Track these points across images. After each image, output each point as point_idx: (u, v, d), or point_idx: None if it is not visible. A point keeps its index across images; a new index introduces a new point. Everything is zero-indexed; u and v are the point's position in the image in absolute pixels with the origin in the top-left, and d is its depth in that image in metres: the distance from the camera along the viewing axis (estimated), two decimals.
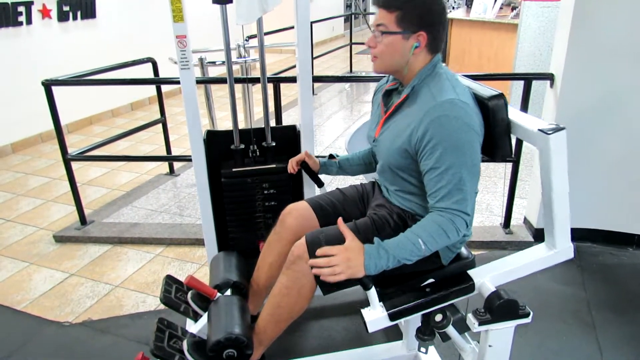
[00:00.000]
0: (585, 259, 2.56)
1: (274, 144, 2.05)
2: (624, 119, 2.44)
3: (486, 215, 3.06)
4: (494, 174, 3.66)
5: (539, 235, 2.74)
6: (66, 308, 2.28)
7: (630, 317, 2.14)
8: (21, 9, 4.35)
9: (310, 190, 2.07)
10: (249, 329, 1.53)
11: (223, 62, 1.97)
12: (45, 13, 4.58)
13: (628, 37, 2.30)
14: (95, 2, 5.09)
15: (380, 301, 1.31)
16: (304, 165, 1.84)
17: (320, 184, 1.91)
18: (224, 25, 1.83)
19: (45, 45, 4.65)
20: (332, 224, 1.49)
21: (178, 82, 1.81)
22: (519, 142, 2.62)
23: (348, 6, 12.87)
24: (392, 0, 1.33)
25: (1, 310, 2.29)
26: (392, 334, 2.02)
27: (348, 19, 10.70)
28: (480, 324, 1.28)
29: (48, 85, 2.65)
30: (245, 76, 3.55)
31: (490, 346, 1.33)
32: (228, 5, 1.77)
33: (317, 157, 1.85)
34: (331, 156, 1.86)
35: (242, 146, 2.02)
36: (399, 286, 1.39)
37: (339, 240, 1.41)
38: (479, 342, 1.40)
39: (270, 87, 2.49)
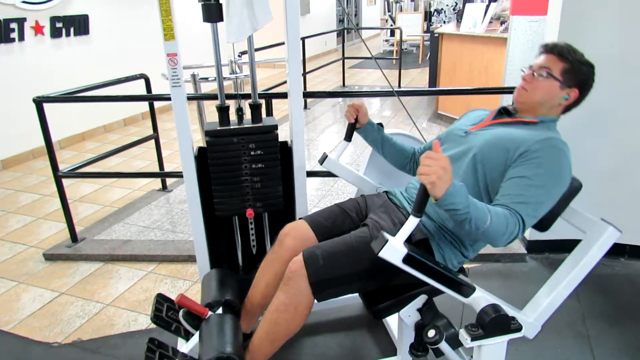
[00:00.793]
0: None
1: (261, 102, 1.99)
2: (613, 131, 2.47)
3: None
4: None
5: (532, 248, 2.75)
6: (55, 328, 2.25)
7: (624, 328, 2.14)
8: (13, 25, 4.36)
9: (302, 202, 2.07)
10: (241, 347, 1.52)
11: (215, 79, 1.98)
12: (38, 29, 4.60)
13: (613, 50, 2.34)
14: (88, 18, 5.11)
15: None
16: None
17: (349, 138, 1.92)
18: (215, 43, 1.84)
19: (38, 61, 4.65)
20: (331, 239, 1.54)
21: (170, 99, 1.82)
22: None
23: (340, 21, 13.00)
24: (567, 53, 1.51)
25: None
26: (386, 350, 2.01)
27: (340, 33, 10.80)
28: (472, 339, 1.27)
29: (39, 102, 2.64)
30: (237, 92, 3.56)
31: None
32: (219, 23, 1.78)
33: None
34: (380, 124, 1.91)
35: (228, 104, 1.93)
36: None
37: (336, 255, 1.44)
38: (472, 358, 1.39)
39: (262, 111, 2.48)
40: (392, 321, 2.08)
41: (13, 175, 4.27)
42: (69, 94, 2.87)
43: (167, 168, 4.09)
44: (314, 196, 3.62)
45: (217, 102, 1.93)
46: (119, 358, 2.04)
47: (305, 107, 6.49)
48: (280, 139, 1.96)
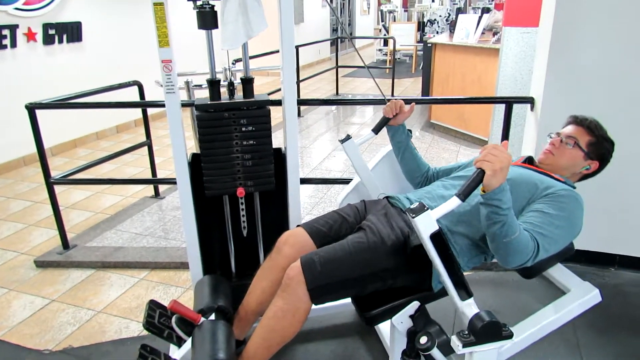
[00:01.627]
0: None
1: (253, 77, 1.94)
2: None
3: None
4: None
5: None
6: (46, 335, 2.23)
7: (614, 337, 2.15)
8: (6, 32, 4.35)
9: (295, 208, 2.08)
10: (234, 354, 1.51)
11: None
12: (30, 36, 4.59)
13: (603, 60, 2.37)
14: (81, 25, 5.11)
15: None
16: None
17: (377, 131, 1.93)
18: (210, 50, 1.85)
19: (30, 68, 4.64)
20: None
21: (164, 105, 1.82)
22: None
23: (334, 30, 13.08)
24: (595, 129, 1.67)
25: None
26: (378, 357, 2.01)
27: (334, 42, 10.87)
28: (464, 345, 1.27)
29: (32, 108, 2.64)
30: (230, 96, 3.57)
31: None
32: (214, 30, 1.80)
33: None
34: (409, 131, 1.97)
35: (219, 78, 1.89)
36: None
37: (334, 260, 1.45)
38: None
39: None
40: (384, 328, 2.08)
41: (4, 182, 4.24)
42: (61, 100, 2.86)
43: (160, 175, 4.08)
44: (307, 203, 3.63)
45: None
46: None
47: (299, 114, 6.51)
48: (274, 146, 1.96)
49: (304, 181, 2.56)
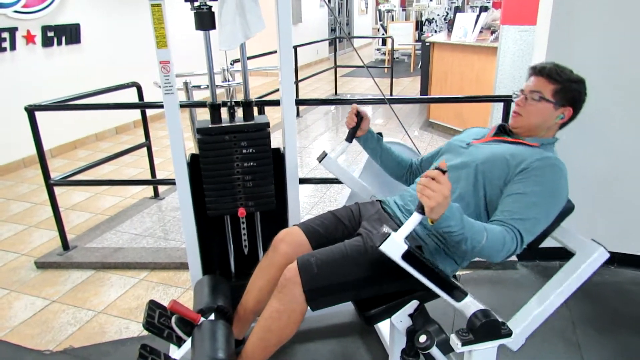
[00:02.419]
0: None
1: (253, 100, 1.97)
2: (603, 139, 2.50)
3: None
4: None
5: (523, 255, 2.77)
6: (47, 336, 2.23)
7: (614, 335, 2.16)
8: (5, 34, 4.35)
9: (295, 208, 2.08)
10: (234, 353, 1.52)
11: (207, 86, 1.99)
12: (29, 39, 4.59)
13: (601, 58, 2.37)
14: (80, 27, 5.11)
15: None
16: (358, 117, 1.86)
17: (350, 140, 1.92)
18: (207, 50, 1.86)
19: (30, 70, 4.64)
20: (325, 246, 1.55)
21: (162, 107, 1.83)
22: None
23: (332, 30, 13.08)
24: (556, 74, 1.53)
25: None
26: (378, 356, 2.01)
27: (332, 42, 10.87)
28: (463, 344, 1.28)
29: (31, 110, 2.64)
30: (229, 99, 3.57)
31: None
32: (211, 31, 1.80)
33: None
34: (379, 134, 1.93)
35: (220, 102, 1.92)
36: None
37: (330, 263, 1.45)
38: None
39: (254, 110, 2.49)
40: (383, 327, 2.09)
41: (4, 184, 4.24)
42: (60, 102, 2.87)
43: (159, 176, 4.09)
44: (306, 203, 3.63)
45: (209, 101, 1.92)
46: None
47: (298, 115, 6.52)
48: (272, 146, 1.97)
49: (302, 181, 2.57)
